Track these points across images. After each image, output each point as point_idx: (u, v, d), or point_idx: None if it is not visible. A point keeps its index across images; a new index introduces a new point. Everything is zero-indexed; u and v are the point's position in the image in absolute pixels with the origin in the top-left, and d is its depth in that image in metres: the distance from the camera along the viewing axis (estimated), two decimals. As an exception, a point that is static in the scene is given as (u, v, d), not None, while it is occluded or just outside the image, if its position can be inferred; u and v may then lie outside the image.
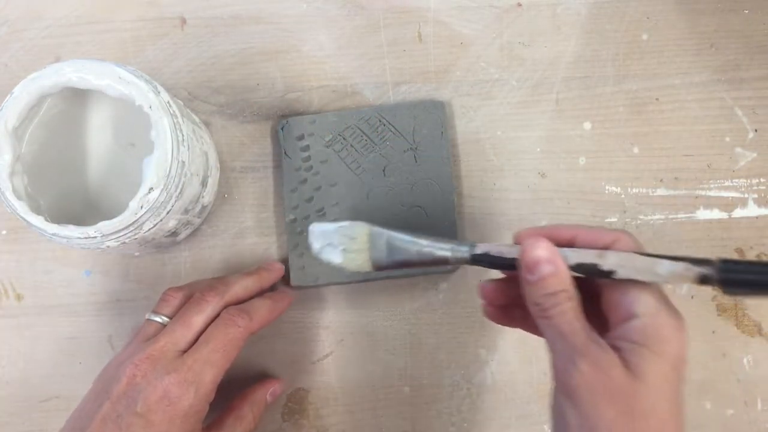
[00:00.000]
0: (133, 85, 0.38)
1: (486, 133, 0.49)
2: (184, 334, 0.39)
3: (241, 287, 0.42)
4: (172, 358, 0.37)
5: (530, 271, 0.32)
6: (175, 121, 0.38)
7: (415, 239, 0.35)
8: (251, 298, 0.43)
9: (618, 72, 0.49)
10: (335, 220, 0.47)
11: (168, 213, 0.39)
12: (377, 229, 0.35)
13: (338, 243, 0.35)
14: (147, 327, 0.40)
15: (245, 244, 0.48)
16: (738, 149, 0.48)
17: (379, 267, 0.35)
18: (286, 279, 0.46)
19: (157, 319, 0.40)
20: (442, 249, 0.35)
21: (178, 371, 0.37)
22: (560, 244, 0.33)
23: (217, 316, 0.40)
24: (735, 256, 0.47)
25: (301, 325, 0.47)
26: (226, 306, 0.41)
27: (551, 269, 0.32)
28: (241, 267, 0.47)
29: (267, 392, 0.44)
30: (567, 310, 0.31)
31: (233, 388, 0.44)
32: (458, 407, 0.46)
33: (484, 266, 0.35)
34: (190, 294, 0.41)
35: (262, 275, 0.45)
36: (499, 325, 0.38)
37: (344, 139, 0.47)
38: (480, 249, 0.34)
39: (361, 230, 0.35)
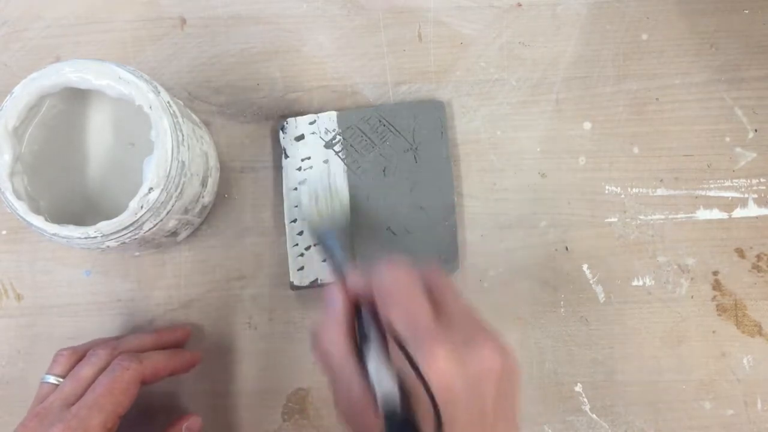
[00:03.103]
0: (133, 85, 0.38)
1: (486, 133, 0.49)
2: (73, 387, 0.39)
3: (136, 341, 0.43)
4: (58, 411, 0.38)
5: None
6: (175, 121, 0.38)
7: (335, 257, 0.38)
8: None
9: (618, 72, 0.49)
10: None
11: (168, 213, 0.39)
12: (341, 223, 0.39)
13: (321, 194, 0.39)
14: (41, 390, 0.40)
15: (245, 244, 0.48)
16: (738, 149, 0.48)
17: (316, 236, 0.38)
18: (284, 281, 0.46)
19: (50, 379, 0.40)
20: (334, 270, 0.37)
21: (62, 421, 0.37)
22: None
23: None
24: (735, 256, 0.47)
25: (301, 325, 0.47)
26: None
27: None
28: (241, 267, 0.47)
29: (182, 427, 0.43)
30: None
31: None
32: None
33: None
34: (84, 352, 0.41)
35: (161, 334, 0.45)
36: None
37: (344, 139, 0.47)
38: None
39: (340, 203, 0.39)
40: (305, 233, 0.39)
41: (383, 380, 0.31)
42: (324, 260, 0.37)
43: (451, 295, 0.34)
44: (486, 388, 0.30)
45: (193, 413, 0.44)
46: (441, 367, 0.29)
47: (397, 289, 0.32)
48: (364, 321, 0.33)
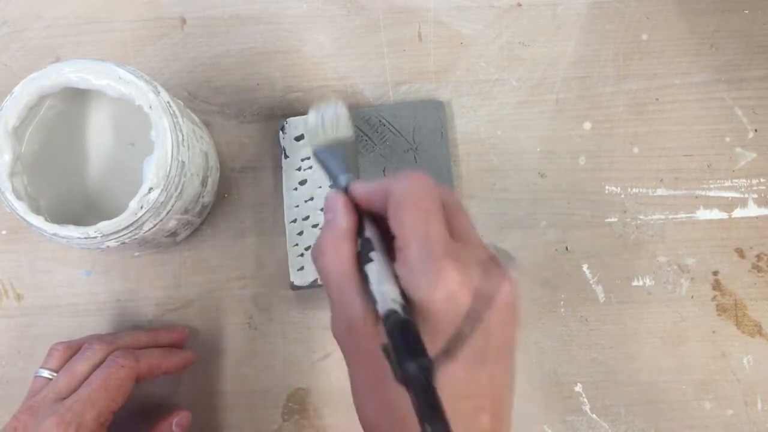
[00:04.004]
0: (133, 85, 0.38)
1: (486, 133, 0.49)
2: (67, 382, 0.39)
3: (131, 339, 0.43)
4: (51, 405, 0.38)
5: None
6: (175, 121, 0.38)
7: (341, 172, 0.35)
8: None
9: (618, 72, 0.49)
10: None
11: (168, 213, 0.39)
12: (348, 152, 0.36)
13: (329, 114, 0.37)
14: (34, 383, 0.40)
15: (245, 244, 0.48)
16: (738, 149, 0.48)
17: (314, 152, 0.37)
18: (284, 281, 0.46)
19: (44, 373, 0.40)
20: (339, 176, 0.35)
21: (56, 414, 0.37)
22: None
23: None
24: (735, 256, 0.47)
25: (301, 325, 0.47)
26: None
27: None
28: (241, 267, 0.47)
29: (172, 423, 0.43)
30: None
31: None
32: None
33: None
34: (78, 346, 0.41)
35: (159, 333, 0.45)
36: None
37: (344, 139, 0.47)
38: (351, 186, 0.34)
39: (346, 124, 0.37)
40: (312, 157, 0.38)
41: (386, 294, 0.29)
42: (328, 178, 0.36)
43: (467, 220, 0.32)
44: (494, 319, 0.29)
45: (183, 409, 0.44)
46: (454, 286, 0.28)
47: (415, 199, 0.30)
48: (368, 232, 0.32)
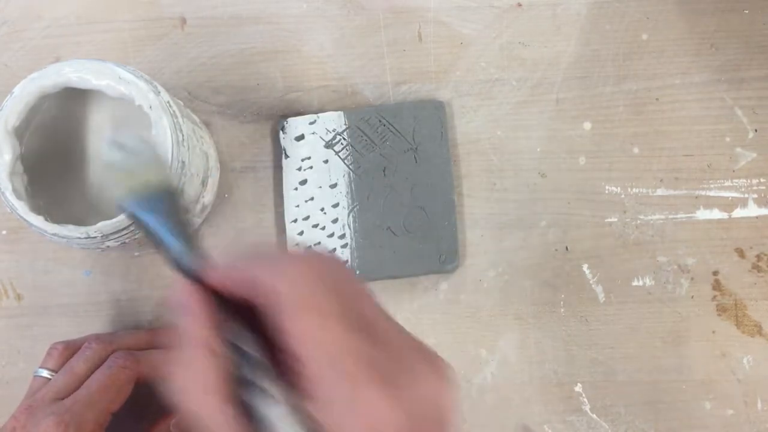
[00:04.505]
0: (133, 85, 0.38)
1: (486, 133, 0.49)
2: (66, 382, 0.39)
3: (132, 339, 0.42)
4: (50, 405, 0.37)
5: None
6: (175, 121, 0.38)
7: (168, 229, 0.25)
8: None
9: (618, 72, 0.49)
10: (335, 221, 0.47)
11: (168, 213, 0.39)
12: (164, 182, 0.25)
13: (130, 150, 0.26)
14: (33, 383, 0.40)
15: (245, 244, 0.48)
16: (738, 149, 0.48)
17: (121, 206, 0.25)
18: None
19: (43, 373, 0.40)
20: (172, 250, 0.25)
21: (55, 414, 0.37)
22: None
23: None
24: (735, 256, 0.47)
25: (301, 325, 0.47)
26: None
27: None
28: (241, 267, 0.47)
29: (170, 424, 0.43)
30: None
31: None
32: (458, 407, 0.46)
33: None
34: (78, 346, 0.41)
35: (159, 333, 0.44)
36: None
37: (344, 139, 0.47)
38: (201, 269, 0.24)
39: (160, 170, 0.26)
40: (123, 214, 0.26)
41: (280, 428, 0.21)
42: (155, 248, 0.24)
43: (369, 300, 0.25)
44: (436, 420, 0.24)
45: None
46: (380, 412, 0.21)
47: (307, 298, 0.22)
48: (244, 345, 0.23)
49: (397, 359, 0.23)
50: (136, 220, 0.25)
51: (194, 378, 0.22)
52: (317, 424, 0.22)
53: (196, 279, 0.23)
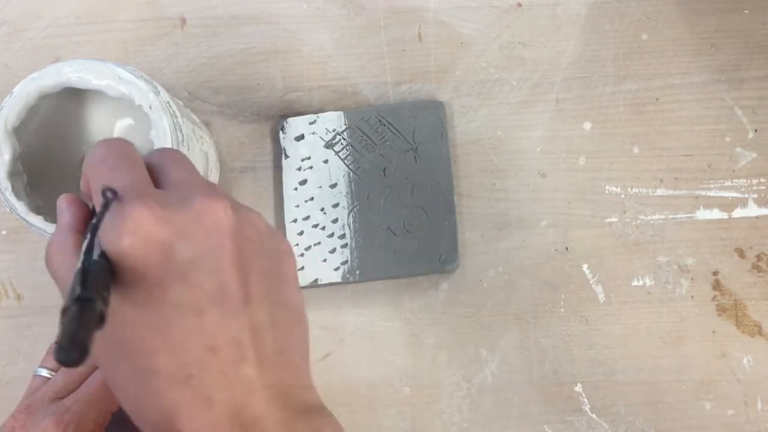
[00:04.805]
0: (133, 85, 0.38)
1: (486, 133, 0.49)
2: (66, 381, 0.39)
3: None
4: (49, 404, 0.37)
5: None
6: (175, 121, 0.38)
7: None
8: None
9: (618, 72, 0.49)
10: (335, 221, 0.47)
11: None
12: None
13: None
14: (32, 382, 0.40)
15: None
16: (738, 149, 0.48)
17: None
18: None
19: (43, 372, 0.40)
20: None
21: (55, 413, 0.36)
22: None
23: None
24: (735, 256, 0.47)
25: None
26: None
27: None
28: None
29: None
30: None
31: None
32: (458, 407, 0.46)
33: None
34: None
35: None
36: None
37: (344, 139, 0.47)
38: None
39: None
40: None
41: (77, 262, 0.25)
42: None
43: (178, 166, 0.28)
44: (217, 246, 0.24)
45: None
46: (144, 222, 0.23)
47: (102, 156, 0.27)
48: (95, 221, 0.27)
49: (180, 196, 0.25)
50: None
51: (59, 247, 0.28)
52: (102, 244, 0.24)
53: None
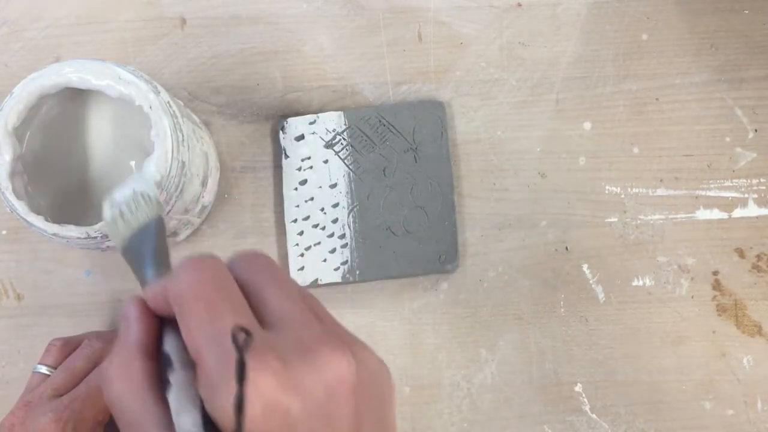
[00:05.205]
0: (133, 85, 0.38)
1: (486, 133, 0.49)
2: (65, 379, 0.39)
3: None
4: (48, 401, 0.37)
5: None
6: (175, 121, 0.38)
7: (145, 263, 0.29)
8: None
9: (618, 72, 0.49)
10: (335, 221, 0.47)
11: (168, 213, 0.39)
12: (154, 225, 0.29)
13: (125, 196, 0.30)
14: (31, 379, 0.40)
15: (245, 244, 0.48)
16: (738, 149, 0.48)
17: (124, 251, 0.30)
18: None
19: (42, 369, 0.40)
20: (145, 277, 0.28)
21: (54, 411, 0.37)
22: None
23: None
24: (735, 256, 0.47)
25: (301, 325, 0.47)
26: None
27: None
28: (241, 267, 0.47)
29: None
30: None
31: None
32: (458, 407, 0.46)
33: None
34: (77, 343, 0.41)
35: None
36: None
37: (344, 139, 0.47)
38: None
39: (147, 208, 0.30)
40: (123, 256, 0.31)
41: (183, 418, 0.22)
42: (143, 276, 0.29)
43: (280, 294, 0.25)
44: (337, 404, 0.22)
45: None
46: (268, 388, 0.21)
47: (195, 290, 0.23)
48: (166, 346, 0.25)
49: (297, 342, 0.23)
50: (129, 259, 0.30)
51: (124, 372, 0.24)
52: (208, 405, 0.22)
53: (144, 299, 0.26)
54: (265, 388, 0.21)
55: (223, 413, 0.21)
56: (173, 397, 0.23)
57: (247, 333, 0.21)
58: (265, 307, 0.24)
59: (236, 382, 0.20)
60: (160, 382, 0.24)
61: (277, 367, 0.21)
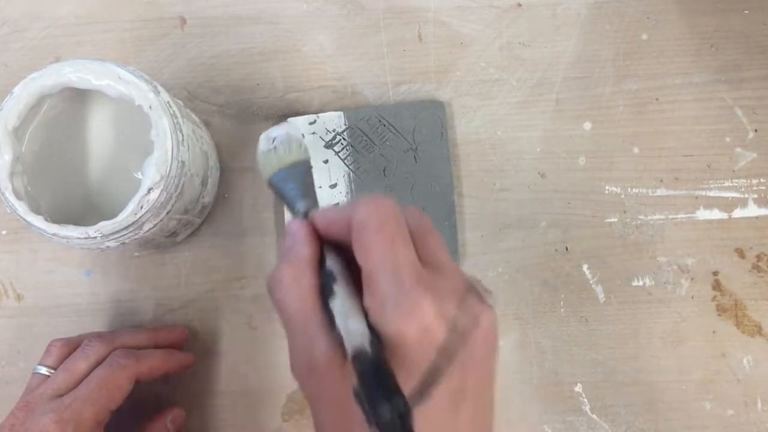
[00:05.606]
0: (133, 85, 0.38)
1: (486, 133, 0.49)
2: (66, 379, 0.39)
3: (131, 338, 0.42)
4: (49, 401, 0.38)
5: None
6: (175, 121, 0.38)
7: (297, 195, 0.33)
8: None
9: (618, 72, 0.49)
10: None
11: (168, 213, 0.39)
12: (303, 169, 0.34)
13: (281, 137, 0.35)
14: (32, 380, 0.40)
15: (245, 244, 0.48)
16: (738, 149, 0.48)
17: (271, 182, 0.34)
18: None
19: (42, 370, 0.40)
20: (296, 204, 0.33)
21: (54, 411, 0.37)
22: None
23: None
24: (735, 256, 0.47)
25: (301, 325, 0.47)
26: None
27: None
28: (241, 267, 0.47)
29: (166, 421, 0.43)
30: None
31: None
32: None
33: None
34: (77, 344, 0.41)
35: (159, 333, 0.44)
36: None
37: (344, 139, 0.47)
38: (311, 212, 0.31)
39: (299, 146, 0.35)
40: (268, 186, 0.35)
41: (353, 329, 0.26)
42: (285, 206, 0.33)
43: (439, 245, 0.29)
44: (471, 353, 0.26)
45: (177, 407, 0.44)
46: (428, 318, 0.25)
47: (379, 224, 0.27)
48: (329, 263, 0.29)
49: (448, 283, 0.27)
50: (275, 189, 0.34)
51: (294, 280, 0.28)
52: (372, 315, 0.26)
53: (309, 221, 0.30)
54: (423, 313, 0.25)
55: (388, 325, 0.25)
56: (338, 304, 0.27)
57: None
58: (426, 251, 0.28)
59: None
60: (321, 293, 0.28)
61: (434, 301, 0.26)
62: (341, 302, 0.27)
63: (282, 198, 0.33)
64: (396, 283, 0.26)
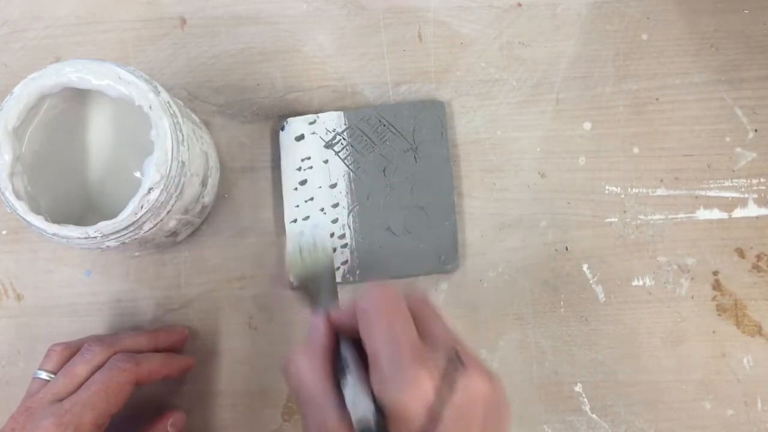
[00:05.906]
0: (133, 85, 0.38)
1: (486, 133, 0.49)
2: (65, 383, 0.39)
3: (131, 341, 0.42)
4: (49, 405, 0.38)
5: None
6: (175, 121, 0.38)
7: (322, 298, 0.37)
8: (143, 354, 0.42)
9: (618, 72, 0.49)
10: (335, 221, 0.47)
11: (168, 213, 0.39)
12: (328, 270, 0.38)
13: (306, 243, 0.40)
14: (32, 384, 0.40)
15: (245, 244, 0.48)
16: (738, 149, 0.48)
17: (299, 284, 0.39)
18: (284, 281, 0.46)
19: (42, 375, 0.40)
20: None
21: (55, 415, 0.37)
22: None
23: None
24: (735, 256, 0.47)
25: (301, 325, 0.47)
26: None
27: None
28: (241, 267, 0.47)
29: (167, 424, 0.43)
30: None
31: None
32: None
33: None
34: (77, 348, 0.41)
35: (158, 335, 0.44)
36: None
37: (344, 139, 0.47)
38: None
39: (323, 251, 0.39)
40: (294, 287, 0.40)
41: (359, 405, 0.30)
42: (307, 306, 0.38)
43: (436, 320, 0.33)
44: (473, 417, 0.29)
45: (178, 409, 0.44)
46: (425, 392, 0.28)
47: (379, 308, 0.31)
48: (344, 350, 0.33)
49: (450, 359, 0.30)
50: (301, 289, 0.38)
51: (310, 363, 0.32)
52: (377, 390, 0.29)
53: (325, 317, 0.34)
54: (419, 383, 0.28)
55: (390, 399, 0.28)
56: (349, 388, 0.31)
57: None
58: (424, 326, 0.32)
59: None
60: (335, 377, 0.32)
61: (433, 375, 0.29)
62: (352, 384, 0.31)
63: (305, 296, 0.37)
64: (395, 362, 0.29)
